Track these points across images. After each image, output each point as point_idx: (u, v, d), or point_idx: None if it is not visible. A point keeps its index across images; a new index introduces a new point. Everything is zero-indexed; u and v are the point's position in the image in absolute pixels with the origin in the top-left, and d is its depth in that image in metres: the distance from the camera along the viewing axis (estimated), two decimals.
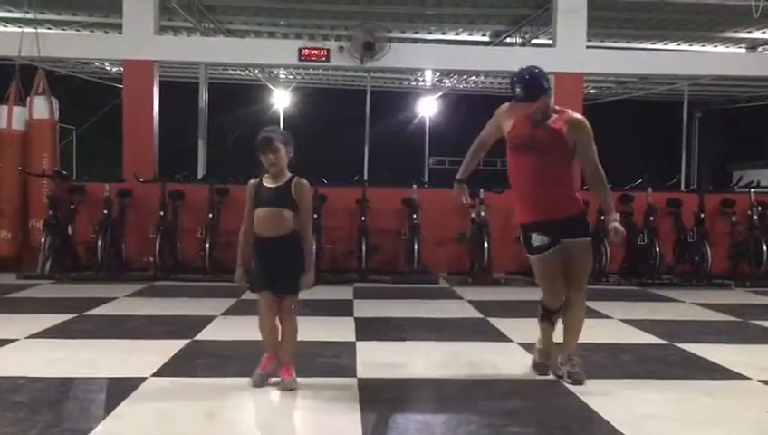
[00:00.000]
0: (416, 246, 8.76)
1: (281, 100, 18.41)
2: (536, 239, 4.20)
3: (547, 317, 4.42)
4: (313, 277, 4.10)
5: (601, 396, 3.98)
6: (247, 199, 4.11)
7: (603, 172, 4.24)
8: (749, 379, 4.43)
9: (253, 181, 4.11)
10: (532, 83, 4.12)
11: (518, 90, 4.11)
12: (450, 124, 19.23)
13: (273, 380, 4.03)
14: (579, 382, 4.21)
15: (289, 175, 4.06)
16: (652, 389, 4.20)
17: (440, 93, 18.36)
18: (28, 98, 9.43)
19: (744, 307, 7.33)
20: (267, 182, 4.05)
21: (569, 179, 4.29)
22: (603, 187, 4.27)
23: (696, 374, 4.59)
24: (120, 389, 3.97)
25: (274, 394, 3.93)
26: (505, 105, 4.31)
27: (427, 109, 19.40)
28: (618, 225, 4.18)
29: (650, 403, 3.91)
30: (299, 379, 4.06)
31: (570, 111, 4.28)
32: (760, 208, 9.14)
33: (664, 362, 4.92)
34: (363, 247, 8.87)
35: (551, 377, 4.40)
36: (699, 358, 4.97)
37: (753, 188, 9.47)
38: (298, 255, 4.04)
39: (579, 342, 4.42)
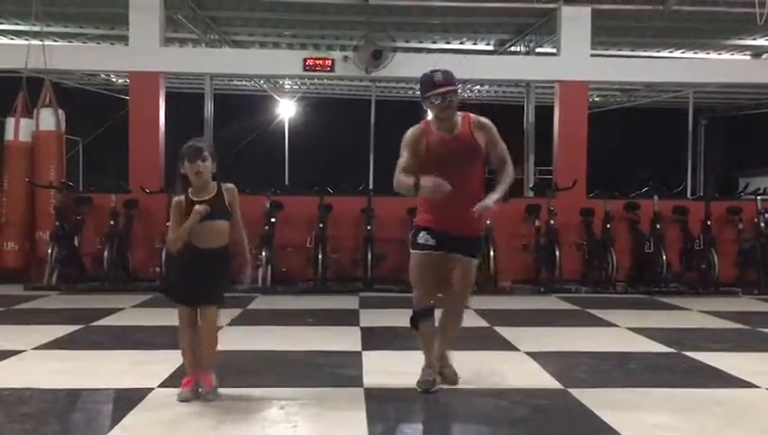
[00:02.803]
0: None
1: (286, 110, 18.47)
2: (422, 237, 4.18)
3: (417, 322, 4.29)
4: (251, 273, 4.13)
5: (609, 405, 3.96)
6: (173, 216, 3.95)
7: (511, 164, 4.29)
8: (758, 387, 4.40)
9: (179, 198, 3.97)
10: (449, 72, 4.18)
11: (438, 75, 4.13)
12: None
13: (279, 392, 4.02)
14: (454, 383, 4.28)
15: (215, 184, 4.01)
16: (660, 397, 4.18)
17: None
18: (35, 110, 9.49)
19: (751, 315, 7.30)
20: (195, 196, 3.95)
21: (481, 194, 4.22)
22: (509, 174, 4.26)
23: (705, 383, 4.56)
24: (126, 400, 3.98)
25: (281, 404, 3.92)
26: (413, 130, 4.25)
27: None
28: (491, 203, 4.04)
29: (659, 412, 3.89)
30: (306, 389, 4.06)
31: (470, 115, 4.27)
32: (767, 215, 9.11)
33: (672, 370, 4.90)
34: (369, 257, 8.86)
35: (559, 386, 4.37)
36: (707, 366, 4.95)
37: (759, 195, 9.44)
38: (228, 267, 4.04)
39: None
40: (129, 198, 9.20)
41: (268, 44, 12.96)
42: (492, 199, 4.09)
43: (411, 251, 4.28)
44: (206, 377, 4.00)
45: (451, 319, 4.34)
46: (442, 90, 4.10)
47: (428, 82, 4.16)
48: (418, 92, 4.33)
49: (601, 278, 9.03)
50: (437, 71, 4.18)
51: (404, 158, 4.21)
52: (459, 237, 4.16)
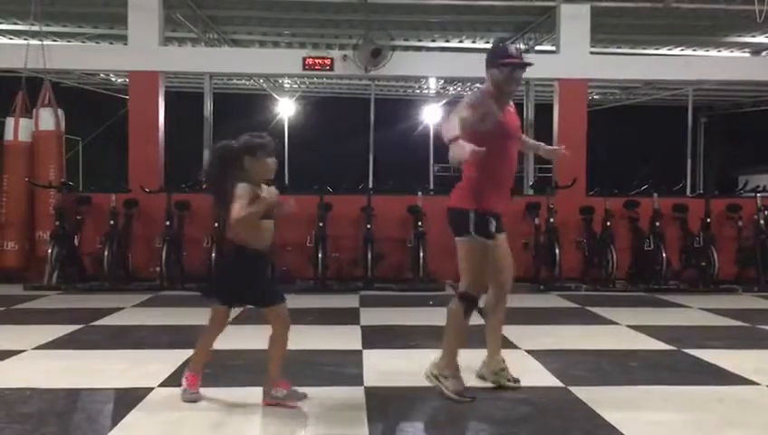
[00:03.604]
0: (421, 254, 8.76)
1: (285, 108, 18.47)
2: (492, 224, 4.13)
3: (471, 311, 4.27)
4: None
5: (609, 403, 3.96)
6: (245, 195, 3.72)
7: None
8: (758, 384, 4.41)
9: (248, 185, 3.79)
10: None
11: (515, 49, 4.20)
12: None
13: (278, 393, 4.01)
14: (518, 383, 4.26)
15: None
16: (660, 395, 4.18)
17: (444, 101, 18.38)
18: (34, 109, 9.48)
19: (751, 312, 7.30)
20: (259, 191, 3.86)
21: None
22: None
23: (705, 380, 4.56)
24: (126, 399, 3.98)
25: (281, 405, 3.92)
26: (482, 91, 4.22)
27: (432, 116, 19.43)
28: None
29: (659, 410, 3.89)
30: (306, 388, 4.05)
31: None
32: (766, 213, 9.11)
33: (672, 368, 4.90)
34: (369, 255, 8.87)
35: (559, 384, 4.38)
36: (707, 364, 4.95)
37: (759, 192, 9.44)
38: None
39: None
40: (128, 198, 9.19)
41: (267, 43, 12.96)
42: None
43: (477, 237, 4.04)
44: (282, 383, 3.94)
45: (502, 302, 4.37)
46: (519, 61, 4.10)
47: (504, 50, 4.17)
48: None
49: (601, 276, 9.03)
50: (511, 45, 4.21)
51: (473, 115, 3.94)
52: (499, 216, 4.16)
